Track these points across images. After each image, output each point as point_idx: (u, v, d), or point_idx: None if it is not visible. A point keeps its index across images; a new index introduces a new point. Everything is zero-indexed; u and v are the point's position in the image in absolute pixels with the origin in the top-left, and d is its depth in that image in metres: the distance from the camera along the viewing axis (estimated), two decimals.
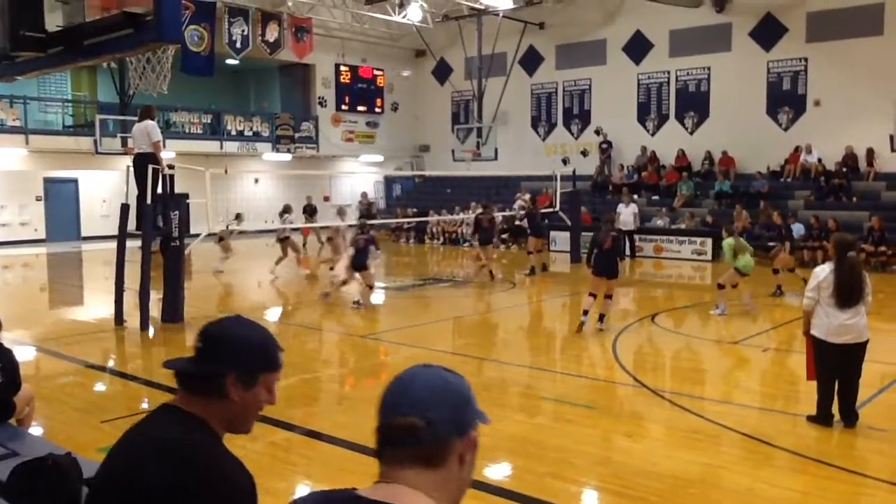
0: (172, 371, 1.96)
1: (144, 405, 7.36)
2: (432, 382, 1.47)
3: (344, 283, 12.64)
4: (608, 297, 10.38)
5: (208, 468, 1.81)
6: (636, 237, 19.95)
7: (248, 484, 1.86)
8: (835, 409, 6.22)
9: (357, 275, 12.40)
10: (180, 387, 1.95)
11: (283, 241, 16.30)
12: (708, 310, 11.91)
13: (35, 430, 5.65)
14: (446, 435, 1.44)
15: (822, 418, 6.24)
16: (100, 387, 8.35)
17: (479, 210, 16.93)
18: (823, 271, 6.26)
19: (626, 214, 20.23)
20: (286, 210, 16.91)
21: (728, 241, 11.72)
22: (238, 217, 16.22)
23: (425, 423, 1.42)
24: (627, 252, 20.26)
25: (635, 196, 21.63)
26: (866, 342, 6.12)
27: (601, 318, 10.29)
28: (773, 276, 13.41)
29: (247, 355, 1.92)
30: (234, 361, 1.89)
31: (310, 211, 22.86)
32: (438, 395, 1.46)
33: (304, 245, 23.00)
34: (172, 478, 1.76)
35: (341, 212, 17.19)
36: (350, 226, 16.25)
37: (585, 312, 10.32)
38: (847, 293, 6.05)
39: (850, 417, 6.18)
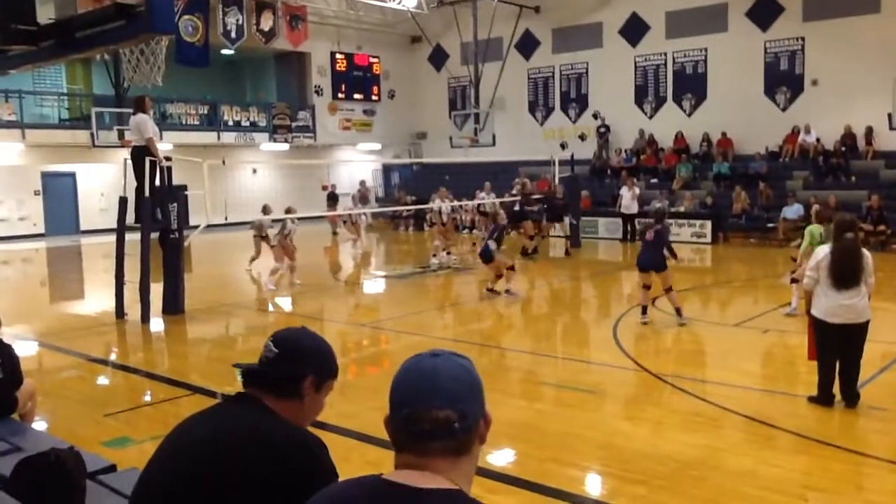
0: (242, 371, 2.08)
1: (147, 398, 7.39)
2: (457, 373, 1.48)
3: (499, 276, 12.09)
4: (668, 291, 9.59)
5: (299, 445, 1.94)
6: (637, 221, 19.90)
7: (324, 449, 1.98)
8: (836, 389, 6.23)
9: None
10: (253, 388, 2.07)
11: (262, 238, 14.89)
12: (708, 292, 11.89)
13: (38, 424, 5.67)
14: (475, 423, 1.48)
15: (822, 399, 6.25)
16: (102, 380, 8.37)
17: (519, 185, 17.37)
18: (823, 251, 6.26)
19: (628, 198, 20.22)
20: (264, 210, 14.97)
21: (812, 229, 9.55)
22: None
23: (459, 415, 1.44)
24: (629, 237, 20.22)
25: (635, 179, 21.58)
26: (866, 323, 6.09)
27: (678, 311, 9.57)
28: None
29: (322, 360, 2.13)
30: (312, 365, 2.09)
31: (333, 199, 22.80)
32: (466, 386, 1.48)
33: (334, 233, 22.88)
34: (280, 471, 1.87)
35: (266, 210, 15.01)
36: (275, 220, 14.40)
37: (645, 310, 9.67)
38: (843, 274, 6.03)
39: (851, 398, 6.18)
